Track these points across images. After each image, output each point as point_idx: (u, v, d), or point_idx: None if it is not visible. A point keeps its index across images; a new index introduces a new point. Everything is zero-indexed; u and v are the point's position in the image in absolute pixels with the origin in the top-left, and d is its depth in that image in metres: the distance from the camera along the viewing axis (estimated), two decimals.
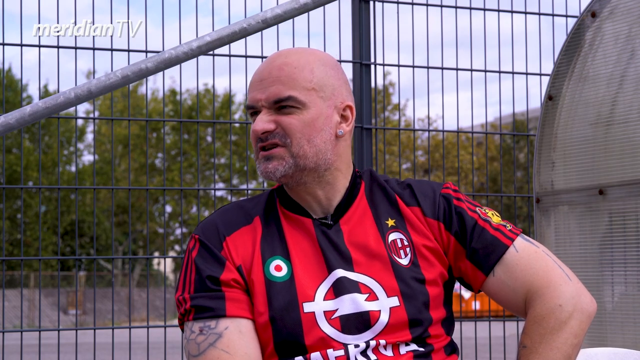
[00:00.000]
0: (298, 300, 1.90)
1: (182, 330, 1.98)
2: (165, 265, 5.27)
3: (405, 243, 1.97)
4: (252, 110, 1.98)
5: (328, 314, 1.90)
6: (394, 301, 1.91)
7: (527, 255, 1.96)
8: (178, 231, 30.00)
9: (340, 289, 1.91)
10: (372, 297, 1.91)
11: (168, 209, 29.57)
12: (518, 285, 1.95)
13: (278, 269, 1.94)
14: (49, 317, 28.21)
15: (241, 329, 1.91)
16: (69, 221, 28.28)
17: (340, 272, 1.92)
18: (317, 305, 1.90)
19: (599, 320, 3.29)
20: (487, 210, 2.02)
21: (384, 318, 1.90)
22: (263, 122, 1.95)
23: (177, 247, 30.19)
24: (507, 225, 1.99)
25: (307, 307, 1.90)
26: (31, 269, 28.06)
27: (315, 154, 1.95)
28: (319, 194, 1.98)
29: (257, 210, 2.01)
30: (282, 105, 1.95)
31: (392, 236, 1.98)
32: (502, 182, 5.03)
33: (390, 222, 1.99)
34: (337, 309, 1.90)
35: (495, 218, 2.00)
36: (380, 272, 1.93)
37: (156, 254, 32.34)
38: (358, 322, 1.90)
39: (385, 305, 1.91)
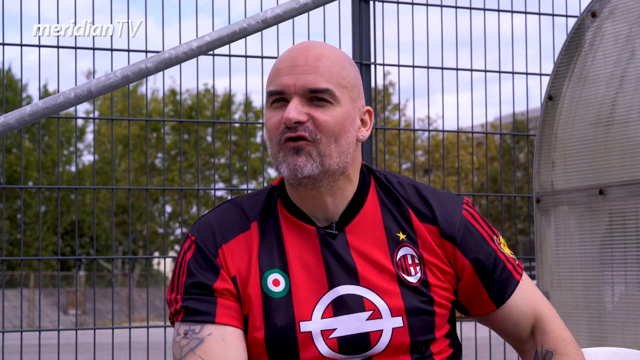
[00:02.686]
0: (295, 318, 1.83)
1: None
2: (165, 265, 5.28)
3: (416, 261, 1.88)
4: (279, 96, 1.85)
5: (325, 333, 1.83)
6: (398, 321, 1.84)
7: (532, 286, 1.98)
8: (178, 231, 30.00)
9: (340, 307, 1.83)
10: (376, 315, 1.84)
11: (168, 209, 29.56)
12: (529, 312, 1.96)
13: (276, 283, 1.86)
14: (49, 317, 28.20)
15: (224, 337, 1.83)
16: (69, 221, 28.26)
17: (342, 289, 1.84)
18: (315, 324, 1.83)
19: (599, 320, 3.29)
20: (500, 239, 1.97)
21: (385, 339, 1.83)
22: (297, 111, 1.81)
23: (177, 247, 30.16)
24: (515, 258, 1.98)
25: (304, 326, 1.83)
26: (31, 269, 28.05)
27: (339, 155, 1.84)
28: (328, 200, 1.88)
29: (256, 213, 1.91)
30: (317, 97, 1.83)
31: (402, 251, 1.89)
32: (502, 182, 5.03)
33: (402, 236, 1.89)
34: (335, 329, 1.83)
35: (506, 249, 1.97)
36: (386, 289, 1.85)
37: (156, 254, 32.33)
38: (357, 344, 1.83)
39: (388, 325, 1.83)
